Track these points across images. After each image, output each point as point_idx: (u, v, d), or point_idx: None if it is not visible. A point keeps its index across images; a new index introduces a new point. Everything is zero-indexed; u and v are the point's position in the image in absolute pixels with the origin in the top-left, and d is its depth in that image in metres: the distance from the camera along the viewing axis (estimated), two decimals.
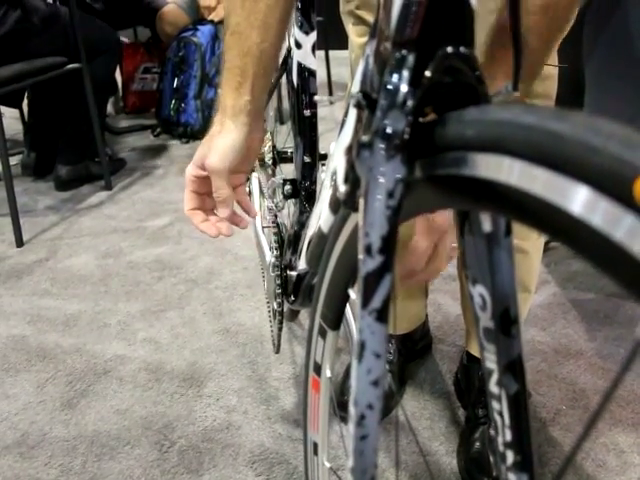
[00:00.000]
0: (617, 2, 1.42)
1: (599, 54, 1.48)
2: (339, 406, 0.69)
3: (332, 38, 2.83)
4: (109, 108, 3.18)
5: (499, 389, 0.41)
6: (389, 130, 0.36)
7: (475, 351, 1.12)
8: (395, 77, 0.36)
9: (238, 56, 0.68)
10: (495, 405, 0.42)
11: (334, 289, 0.59)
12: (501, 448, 0.42)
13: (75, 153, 2.42)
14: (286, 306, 1.02)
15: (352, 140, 0.50)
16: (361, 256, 0.37)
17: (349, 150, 0.41)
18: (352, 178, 0.42)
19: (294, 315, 1.18)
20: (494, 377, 0.41)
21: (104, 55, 2.35)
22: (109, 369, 1.37)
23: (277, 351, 1.13)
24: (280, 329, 1.04)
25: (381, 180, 0.36)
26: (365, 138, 0.37)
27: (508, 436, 0.41)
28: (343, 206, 0.43)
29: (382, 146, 0.36)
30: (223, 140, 0.70)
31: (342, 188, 0.42)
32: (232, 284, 1.68)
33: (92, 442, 1.17)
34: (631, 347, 0.24)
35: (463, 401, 1.16)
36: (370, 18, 0.88)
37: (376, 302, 0.37)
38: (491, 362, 0.41)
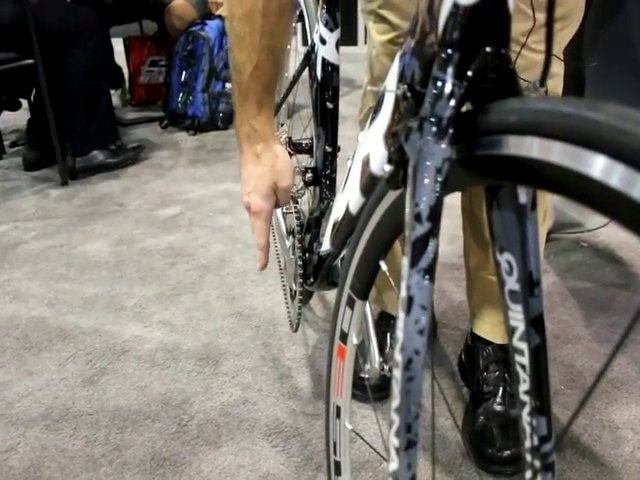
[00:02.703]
0: (617, 5, 1.49)
1: (599, 55, 1.54)
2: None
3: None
4: (116, 100, 3.23)
5: (523, 343, 0.47)
6: (437, 117, 0.42)
7: (479, 331, 1.19)
8: (442, 72, 0.43)
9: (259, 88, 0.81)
10: (518, 358, 0.48)
11: (365, 262, 0.65)
12: (523, 397, 0.49)
13: (80, 144, 2.46)
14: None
15: (391, 127, 0.57)
16: (409, 224, 0.44)
17: (392, 135, 0.47)
18: (396, 159, 0.48)
19: (308, 297, 1.24)
20: (518, 333, 0.47)
21: (82, 38, 2.35)
22: (127, 349, 1.43)
23: (295, 330, 1.19)
24: (300, 308, 1.10)
25: (430, 159, 0.42)
26: (413, 124, 0.44)
27: (529, 385, 0.48)
28: (386, 184, 0.49)
29: (431, 131, 0.42)
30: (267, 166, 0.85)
31: (387, 168, 0.48)
32: (243, 271, 1.74)
33: (114, 416, 1.23)
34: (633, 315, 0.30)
35: (467, 380, 1.23)
36: (392, 17, 0.94)
37: (423, 263, 0.43)
38: (515, 320, 0.47)
